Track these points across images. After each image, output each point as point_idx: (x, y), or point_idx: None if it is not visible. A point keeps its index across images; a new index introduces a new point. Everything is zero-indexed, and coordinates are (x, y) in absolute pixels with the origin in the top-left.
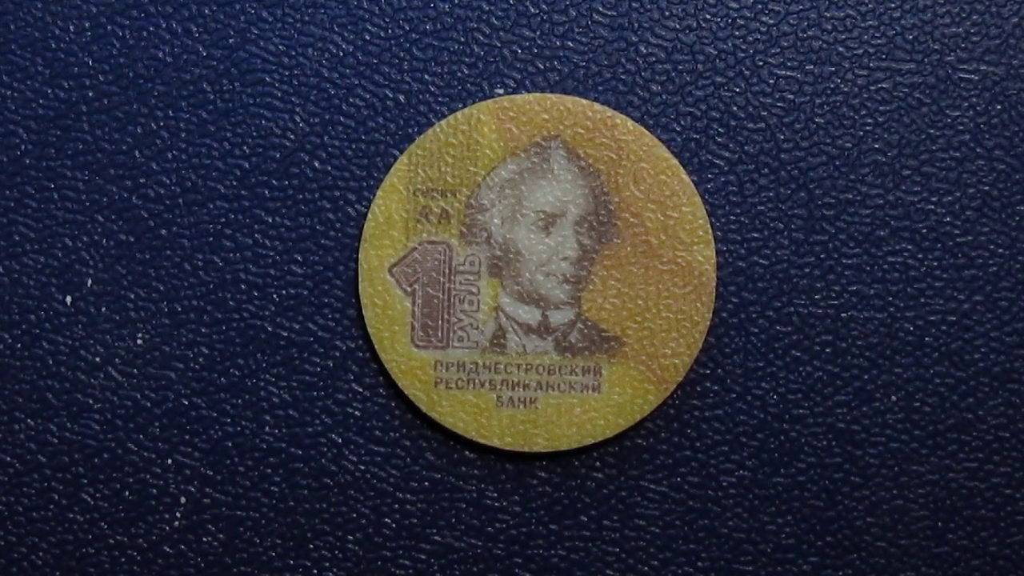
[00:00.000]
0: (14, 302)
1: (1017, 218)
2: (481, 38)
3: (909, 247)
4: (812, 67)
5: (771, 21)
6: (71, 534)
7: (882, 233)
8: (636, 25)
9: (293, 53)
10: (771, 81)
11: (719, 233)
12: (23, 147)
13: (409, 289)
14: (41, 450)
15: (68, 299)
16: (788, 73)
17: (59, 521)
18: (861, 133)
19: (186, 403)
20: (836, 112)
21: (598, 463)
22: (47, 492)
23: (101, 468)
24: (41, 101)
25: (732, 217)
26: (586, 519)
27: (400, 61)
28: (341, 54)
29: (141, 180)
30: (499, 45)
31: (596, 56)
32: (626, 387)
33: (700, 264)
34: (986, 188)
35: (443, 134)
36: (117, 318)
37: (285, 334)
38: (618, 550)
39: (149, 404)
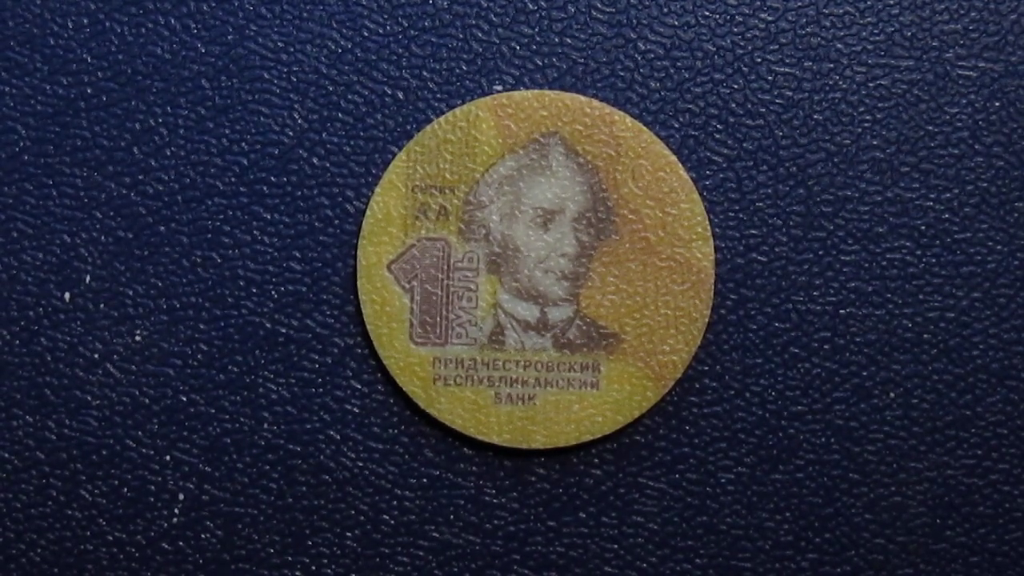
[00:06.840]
0: (13, 298)
1: (1015, 215)
2: (479, 35)
3: (907, 244)
4: (810, 64)
5: (770, 18)
6: (69, 531)
7: (880, 230)
8: (635, 22)
9: (292, 50)
10: (769, 78)
11: (718, 230)
12: (21, 144)
13: (407, 286)
14: (39, 446)
15: (67, 295)
16: (786, 70)
17: (57, 518)
18: (859, 130)
19: (184, 399)
20: (834, 109)
21: (596, 460)
22: (45, 488)
23: (99, 464)
24: (40, 98)
25: (731, 214)
26: (584, 516)
27: (398, 58)
28: (340, 51)
29: (139, 177)
30: (497, 42)
31: (595, 53)
32: (624, 384)
33: (698, 261)
34: (984, 185)
35: (441, 131)
36: (115, 314)
37: (283, 331)
38: (616, 547)
39: (147, 400)
